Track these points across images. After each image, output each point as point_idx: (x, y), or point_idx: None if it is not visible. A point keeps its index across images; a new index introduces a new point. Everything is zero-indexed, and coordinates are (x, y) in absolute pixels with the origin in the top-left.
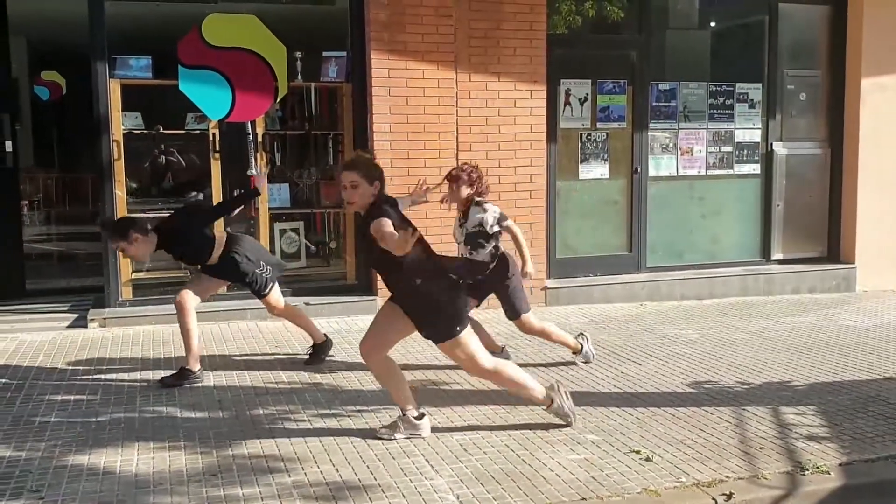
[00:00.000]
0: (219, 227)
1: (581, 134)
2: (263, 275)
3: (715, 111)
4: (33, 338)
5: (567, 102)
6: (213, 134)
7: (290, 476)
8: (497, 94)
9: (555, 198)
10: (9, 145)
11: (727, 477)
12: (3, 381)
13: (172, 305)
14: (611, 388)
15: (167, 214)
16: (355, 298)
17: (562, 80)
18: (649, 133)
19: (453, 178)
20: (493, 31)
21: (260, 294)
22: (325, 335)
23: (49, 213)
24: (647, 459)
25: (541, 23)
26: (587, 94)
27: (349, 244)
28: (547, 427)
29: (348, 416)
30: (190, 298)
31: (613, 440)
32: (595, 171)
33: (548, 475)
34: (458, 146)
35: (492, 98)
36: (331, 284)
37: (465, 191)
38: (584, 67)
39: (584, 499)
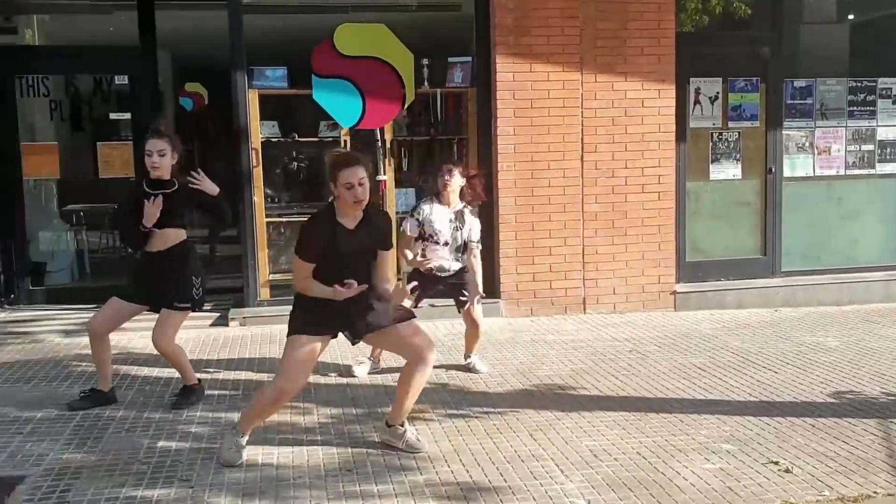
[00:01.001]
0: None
1: (712, 133)
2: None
3: (855, 108)
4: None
5: (697, 101)
6: (345, 141)
7: (421, 475)
8: (624, 95)
9: (684, 199)
10: None
11: (875, 493)
12: (154, 375)
13: None
14: (745, 396)
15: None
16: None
17: (691, 79)
18: (784, 132)
19: (476, 176)
20: (619, 31)
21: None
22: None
23: (191, 218)
24: (787, 471)
25: (669, 21)
26: (718, 93)
27: None
28: (680, 435)
29: (476, 418)
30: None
31: (750, 450)
32: (727, 171)
33: (682, 484)
34: (583, 148)
35: (618, 98)
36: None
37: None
38: (715, 65)
39: None
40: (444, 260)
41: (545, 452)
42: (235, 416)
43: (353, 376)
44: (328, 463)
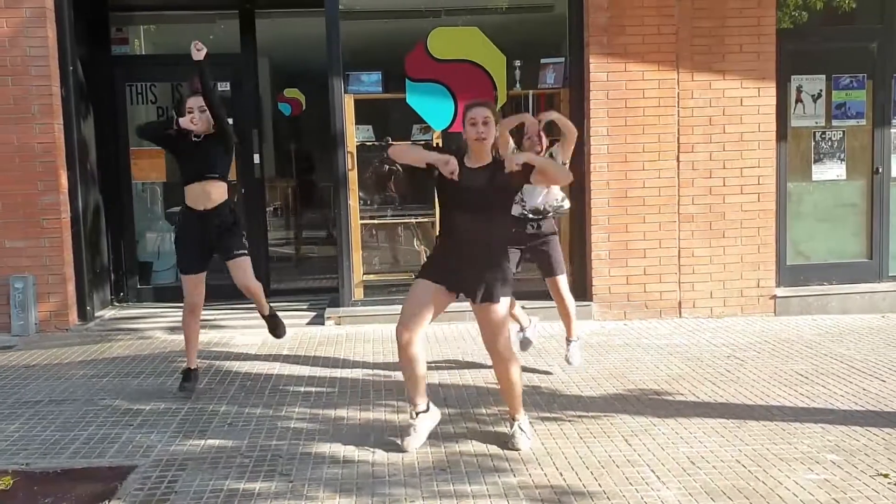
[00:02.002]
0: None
1: (814, 132)
2: None
3: None
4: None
5: (798, 99)
6: (437, 143)
7: (515, 476)
8: (722, 93)
9: (785, 200)
10: (256, 158)
11: None
12: (255, 371)
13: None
14: (851, 405)
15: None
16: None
17: (792, 77)
18: (893, 130)
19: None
20: (717, 29)
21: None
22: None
23: (288, 220)
24: None
25: (769, 17)
26: (821, 91)
27: (564, 249)
28: (781, 444)
29: (568, 421)
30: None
31: (857, 461)
32: (830, 171)
33: (784, 494)
34: (679, 148)
35: (716, 97)
36: (544, 289)
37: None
38: (818, 62)
39: None
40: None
41: (641, 458)
42: (332, 412)
43: (569, 363)
44: (422, 462)
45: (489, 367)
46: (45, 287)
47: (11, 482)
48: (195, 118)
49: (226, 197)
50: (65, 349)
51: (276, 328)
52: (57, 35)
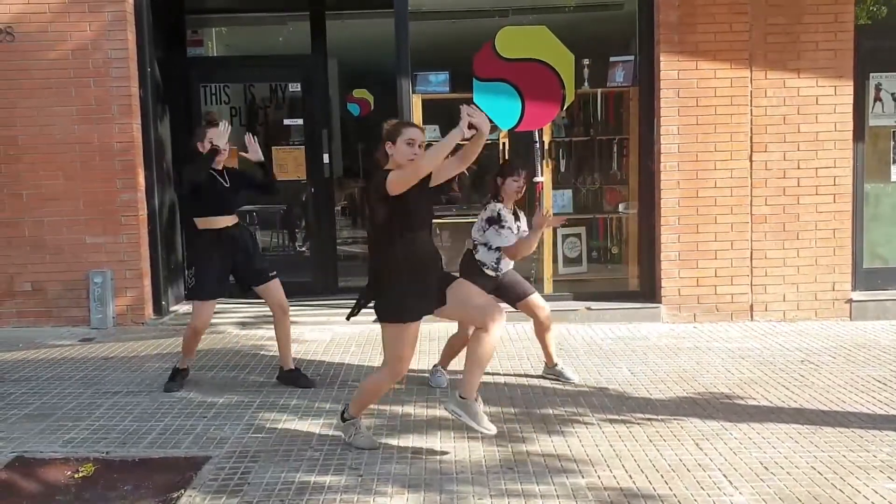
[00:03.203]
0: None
1: (893, 132)
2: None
3: None
4: (345, 330)
5: (878, 98)
6: (503, 143)
7: (583, 478)
8: (796, 92)
9: (862, 202)
10: (326, 157)
11: None
12: (324, 367)
13: None
14: None
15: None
16: (638, 305)
17: (871, 74)
18: None
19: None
20: (792, 26)
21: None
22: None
23: (356, 219)
24: None
25: (847, 13)
26: None
27: (631, 250)
28: (859, 451)
29: (637, 424)
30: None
31: None
32: None
33: (862, 503)
34: (752, 147)
35: (790, 95)
36: (612, 290)
37: None
38: None
39: None
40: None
41: (712, 462)
42: (399, 409)
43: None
44: (489, 460)
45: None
46: (123, 282)
47: (93, 469)
48: (225, 153)
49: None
50: (140, 342)
51: (296, 380)
52: (136, 38)
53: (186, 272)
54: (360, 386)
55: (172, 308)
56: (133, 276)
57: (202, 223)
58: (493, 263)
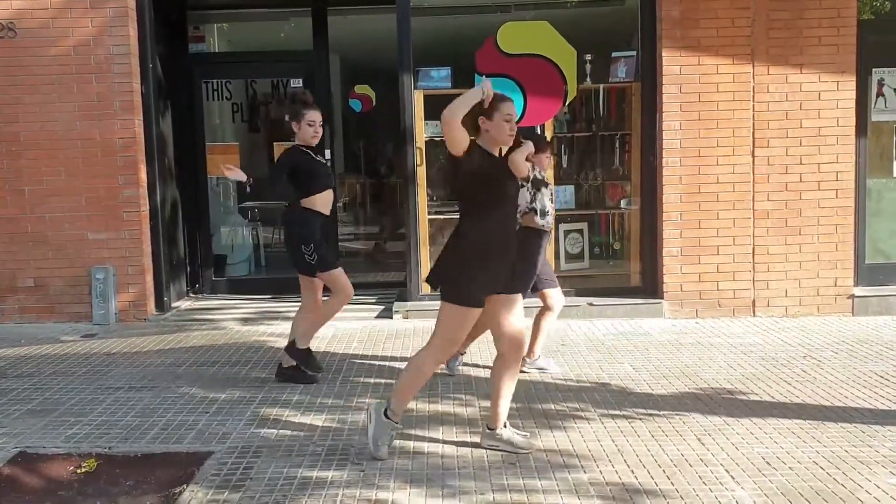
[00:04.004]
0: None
1: None
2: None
3: None
4: (347, 326)
5: (880, 93)
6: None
7: (585, 473)
8: (798, 87)
9: (864, 197)
10: (328, 153)
11: None
12: (325, 362)
13: None
14: None
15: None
16: (640, 301)
17: (874, 69)
18: None
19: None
20: (794, 21)
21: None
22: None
23: (357, 215)
24: None
25: (850, 8)
26: None
27: (633, 246)
28: (861, 446)
29: (639, 419)
30: None
31: None
32: None
33: (864, 498)
34: (754, 142)
35: (793, 91)
36: (614, 286)
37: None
38: None
39: None
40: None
41: (714, 458)
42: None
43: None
44: (491, 455)
45: (558, 363)
46: (125, 278)
47: (95, 464)
48: (318, 131)
49: None
50: (143, 338)
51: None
52: (138, 34)
53: (304, 248)
54: (400, 378)
55: (175, 304)
56: (135, 271)
57: (309, 202)
58: (546, 222)
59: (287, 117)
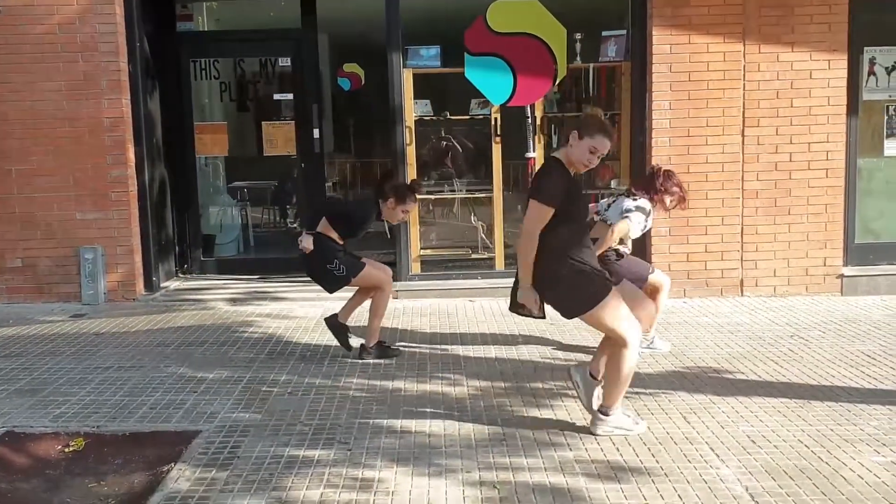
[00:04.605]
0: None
1: (887, 106)
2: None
3: None
4: (336, 306)
5: (871, 72)
6: (495, 118)
7: (571, 451)
8: (790, 66)
9: (855, 177)
10: (316, 132)
11: None
12: (314, 342)
13: (455, 280)
14: None
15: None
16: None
17: (865, 48)
18: None
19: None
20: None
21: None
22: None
23: (347, 194)
24: None
25: None
26: (895, 63)
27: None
28: (846, 425)
29: (626, 397)
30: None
31: None
32: None
33: (848, 475)
34: (744, 122)
35: (784, 70)
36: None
37: None
38: (893, 33)
39: None
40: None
41: (699, 436)
42: (390, 384)
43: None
44: (478, 434)
45: (548, 342)
46: (114, 258)
47: (83, 443)
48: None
49: None
50: (132, 318)
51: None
52: (125, 12)
53: (329, 266)
54: (608, 378)
55: (163, 284)
56: (124, 251)
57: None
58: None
59: (388, 191)
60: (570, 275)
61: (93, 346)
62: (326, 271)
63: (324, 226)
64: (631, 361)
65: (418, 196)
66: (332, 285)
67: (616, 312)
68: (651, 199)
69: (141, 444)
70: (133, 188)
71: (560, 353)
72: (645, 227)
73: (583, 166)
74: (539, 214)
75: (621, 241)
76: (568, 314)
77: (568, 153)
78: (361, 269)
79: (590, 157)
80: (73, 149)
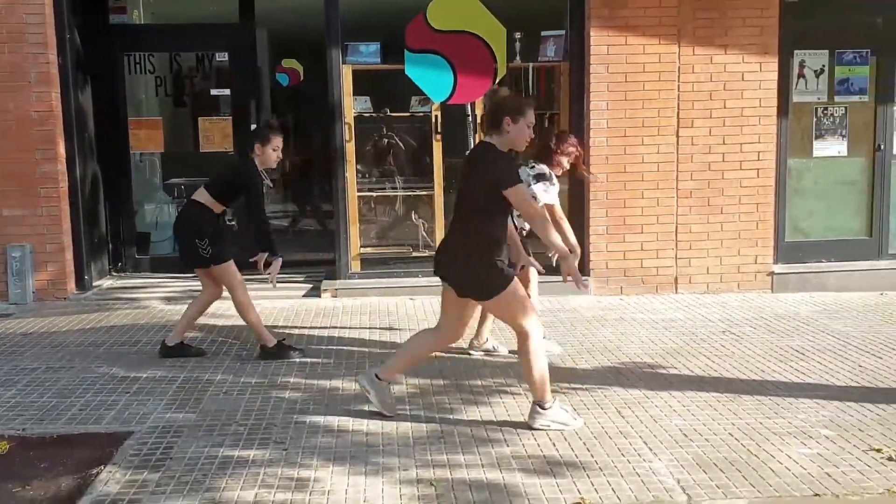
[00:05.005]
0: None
1: (816, 108)
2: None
3: None
4: (274, 305)
5: (801, 75)
6: (436, 116)
7: (508, 447)
8: (723, 68)
9: (785, 177)
10: (253, 128)
11: None
12: (251, 342)
13: (396, 278)
14: (846, 381)
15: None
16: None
17: (795, 52)
18: (895, 107)
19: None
20: (720, 2)
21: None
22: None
23: (286, 192)
24: (890, 459)
25: None
26: (824, 66)
27: None
28: (775, 418)
29: (563, 393)
30: None
31: (850, 436)
32: (831, 148)
33: (776, 467)
34: (678, 122)
35: (717, 72)
36: (543, 264)
37: None
38: (821, 37)
39: (817, 495)
40: None
41: (633, 430)
42: (327, 383)
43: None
44: (416, 432)
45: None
46: (43, 256)
47: (7, 447)
48: (280, 157)
49: None
50: (62, 318)
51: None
52: (54, 2)
53: (198, 241)
54: (527, 373)
55: (96, 283)
56: (54, 249)
57: (218, 207)
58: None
59: (251, 139)
60: (489, 262)
61: (19, 346)
62: (194, 245)
63: (203, 194)
64: (538, 350)
65: (279, 132)
66: (191, 261)
67: (520, 304)
68: (551, 165)
69: (69, 446)
70: (64, 184)
71: (501, 350)
72: (550, 190)
73: (525, 144)
74: (525, 193)
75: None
76: (481, 296)
77: (507, 140)
78: (225, 263)
79: (529, 132)
80: (0, 143)
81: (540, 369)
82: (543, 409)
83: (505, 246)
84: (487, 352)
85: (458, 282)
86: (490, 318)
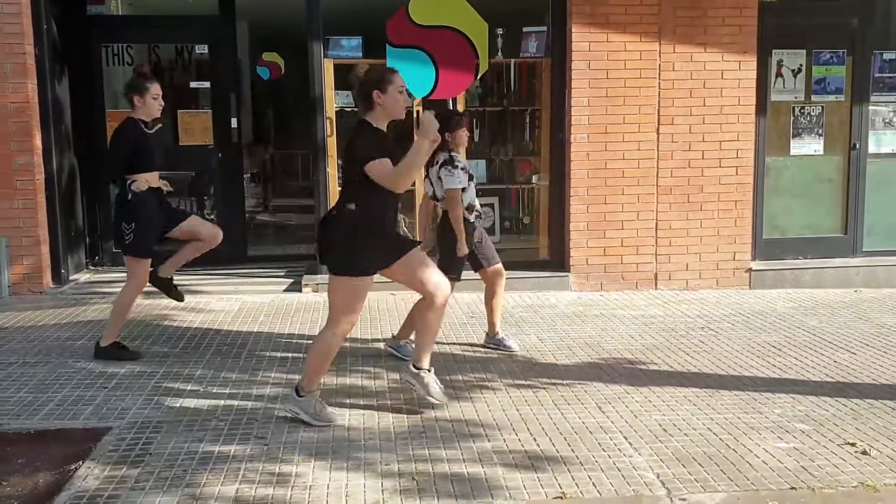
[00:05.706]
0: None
1: (793, 107)
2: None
3: None
4: (254, 300)
5: (779, 74)
6: (417, 111)
7: (489, 441)
8: (703, 66)
9: (763, 175)
10: (234, 122)
11: None
12: (231, 336)
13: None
14: (822, 376)
15: None
16: (548, 274)
17: (773, 51)
18: (870, 106)
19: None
20: (700, 1)
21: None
22: None
23: (266, 186)
24: (864, 453)
25: None
26: (801, 65)
27: (542, 220)
28: (752, 413)
29: (543, 388)
30: None
31: (825, 430)
32: (808, 146)
33: (754, 461)
34: (659, 120)
35: (697, 70)
36: (523, 260)
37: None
38: (799, 36)
39: (793, 488)
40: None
41: (613, 425)
42: None
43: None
44: (398, 427)
45: (468, 334)
46: (19, 249)
47: None
48: (162, 103)
49: None
50: (38, 312)
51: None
52: None
53: (124, 225)
54: (307, 357)
55: (73, 276)
56: (30, 243)
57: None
58: (474, 216)
59: (125, 93)
60: (357, 242)
61: None
62: (119, 228)
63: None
64: (333, 347)
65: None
66: (116, 243)
67: (353, 299)
68: (451, 150)
69: (47, 442)
70: (40, 176)
71: (479, 346)
72: (457, 174)
73: (403, 110)
74: (384, 170)
75: (468, 208)
76: (332, 267)
77: (383, 112)
78: (145, 257)
79: (401, 97)
80: None
81: (320, 361)
82: (299, 396)
83: (385, 225)
84: (499, 344)
85: (325, 248)
86: (499, 310)
